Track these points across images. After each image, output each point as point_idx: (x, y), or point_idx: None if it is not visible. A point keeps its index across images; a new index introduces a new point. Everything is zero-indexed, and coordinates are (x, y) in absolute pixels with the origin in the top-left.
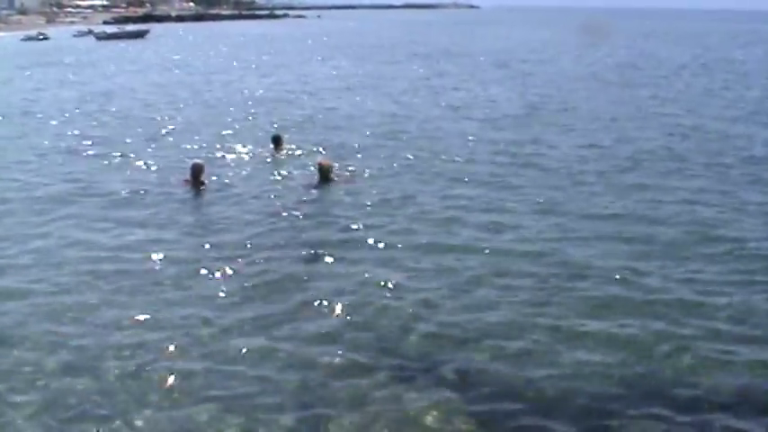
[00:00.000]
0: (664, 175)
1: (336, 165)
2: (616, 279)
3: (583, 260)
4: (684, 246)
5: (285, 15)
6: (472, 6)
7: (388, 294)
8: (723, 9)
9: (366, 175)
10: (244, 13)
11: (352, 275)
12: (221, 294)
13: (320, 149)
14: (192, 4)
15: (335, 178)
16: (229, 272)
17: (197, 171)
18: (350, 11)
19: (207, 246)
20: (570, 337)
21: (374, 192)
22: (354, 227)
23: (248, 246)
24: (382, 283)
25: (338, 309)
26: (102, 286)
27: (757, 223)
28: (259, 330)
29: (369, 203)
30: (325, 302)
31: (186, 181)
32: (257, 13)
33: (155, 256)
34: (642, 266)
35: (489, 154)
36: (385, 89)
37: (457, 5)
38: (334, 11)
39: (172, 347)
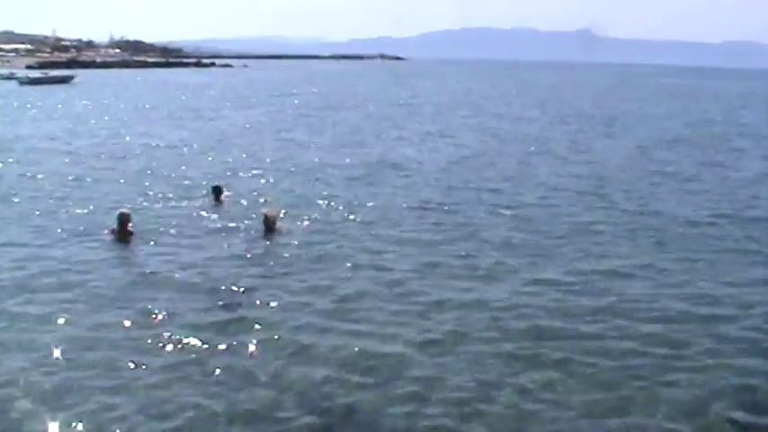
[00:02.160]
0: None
1: (281, 215)
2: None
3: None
4: None
5: (212, 64)
6: (399, 58)
7: (321, 356)
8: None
9: (308, 225)
10: (171, 60)
11: (289, 341)
12: (128, 361)
13: (264, 199)
14: (117, 50)
15: (280, 229)
16: (143, 330)
17: (124, 220)
18: (276, 60)
19: (126, 301)
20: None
21: (316, 244)
22: (294, 283)
23: (169, 302)
24: (316, 347)
25: (264, 377)
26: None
27: None
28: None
29: (310, 258)
30: (251, 370)
31: (112, 230)
32: (184, 60)
33: (67, 305)
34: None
35: (420, 209)
36: (319, 138)
37: (383, 57)
38: (260, 60)
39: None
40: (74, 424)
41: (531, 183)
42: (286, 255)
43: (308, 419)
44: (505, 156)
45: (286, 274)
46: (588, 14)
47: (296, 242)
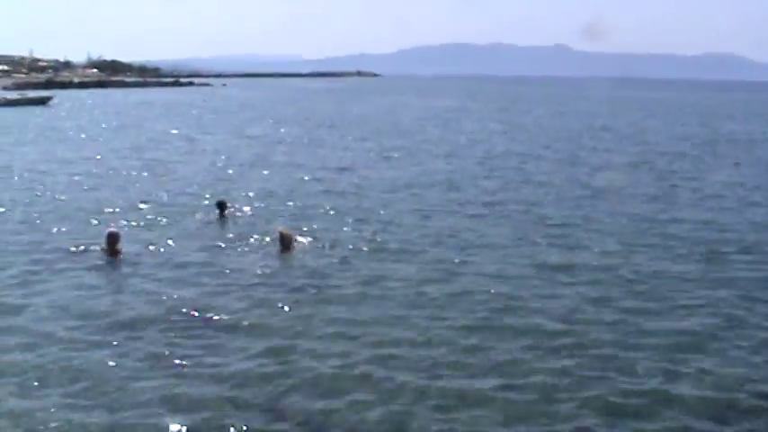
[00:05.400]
0: None
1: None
2: None
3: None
4: None
5: (190, 83)
6: (375, 75)
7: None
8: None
9: (324, 243)
10: (149, 80)
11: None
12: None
13: (272, 215)
14: (95, 70)
15: (296, 248)
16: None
17: (112, 239)
18: (255, 79)
19: (103, 324)
20: None
21: (335, 261)
22: (318, 307)
23: (159, 325)
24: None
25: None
26: None
27: None
28: None
29: (332, 275)
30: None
31: (103, 249)
32: (162, 80)
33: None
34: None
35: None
36: (312, 155)
37: (360, 74)
38: (239, 79)
39: None
40: None
41: None
42: (305, 275)
43: None
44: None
45: (308, 297)
46: (563, 29)
47: (315, 263)
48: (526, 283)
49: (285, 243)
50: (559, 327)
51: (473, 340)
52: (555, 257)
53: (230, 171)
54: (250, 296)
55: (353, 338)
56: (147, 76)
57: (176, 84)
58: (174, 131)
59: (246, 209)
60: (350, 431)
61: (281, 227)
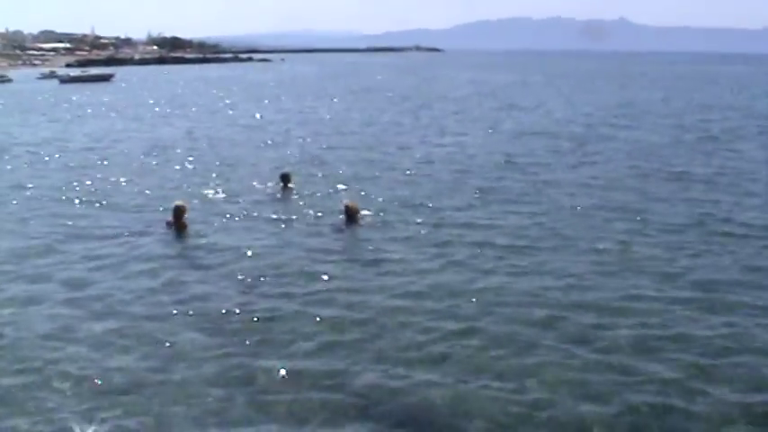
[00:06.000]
0: None
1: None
2: None
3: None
4: None
5: (249, 59)
6: (435, 50)
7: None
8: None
9: (387, 218)
10: (208, 56)
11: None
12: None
13: (335, 188)
14: (155, 47)
15: (362, 222)
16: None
17: (179, 212)
18: (313, 54)
19: (168, 297)
20: None
21: (403, 235)
22: (393, 277)
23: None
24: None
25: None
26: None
27: None
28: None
29: (401, 249)
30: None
31: (168, 222)
32: (221, 56)
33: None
34: None
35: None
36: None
37: (419, 48)
38: (297, 54)
39: None
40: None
41: None
42: (372, 253)
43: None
44: None
45: (377, 279)
46: (624, 2)
47: (380, 240)
48: (592, 278)
49: (351, 215)
50: (620, 321)
51: (544, 334)
52: (617, 249)
53: (291, 145)
54: (318, 275)
55: (431, 331)
56: (207, 52)
57: (236, 59)
58: (233, 106)
59: (309, 181)
60: (421, 411)
61: (346, 199)
